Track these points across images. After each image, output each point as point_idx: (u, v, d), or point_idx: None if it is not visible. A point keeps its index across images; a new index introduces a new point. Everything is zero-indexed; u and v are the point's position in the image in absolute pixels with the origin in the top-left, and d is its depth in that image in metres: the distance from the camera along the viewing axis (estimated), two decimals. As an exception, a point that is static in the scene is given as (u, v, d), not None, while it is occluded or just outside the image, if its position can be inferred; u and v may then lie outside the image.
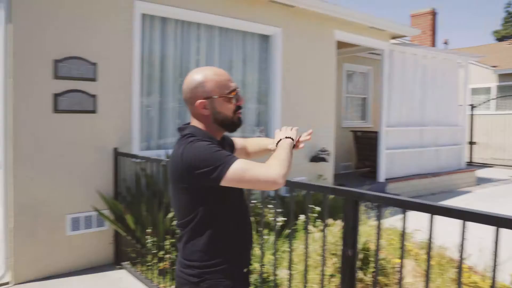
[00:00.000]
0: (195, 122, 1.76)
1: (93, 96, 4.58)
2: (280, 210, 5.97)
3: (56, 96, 4.36)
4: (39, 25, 4.26)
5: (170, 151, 4.91)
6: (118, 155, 4.72)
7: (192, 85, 1.73)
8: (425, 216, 1.86)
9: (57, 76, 4.35)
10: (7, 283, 4.29)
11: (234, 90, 1.74)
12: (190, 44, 5.53)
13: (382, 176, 8.38)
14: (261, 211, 3.03)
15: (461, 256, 1.76)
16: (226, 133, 1.88)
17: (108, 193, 4.71)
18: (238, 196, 1.77)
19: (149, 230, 4.19)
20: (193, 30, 5.54)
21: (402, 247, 2.02)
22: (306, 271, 2.46)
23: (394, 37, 8.65)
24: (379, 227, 2.10)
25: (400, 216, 2.02)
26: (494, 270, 1.64)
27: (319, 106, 7.01)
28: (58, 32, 4.37)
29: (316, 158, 6.86)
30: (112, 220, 4.59)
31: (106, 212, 4.65)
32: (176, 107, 5.45)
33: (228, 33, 5.90)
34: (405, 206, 1.93)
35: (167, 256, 4.02)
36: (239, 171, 1.56)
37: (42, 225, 4.39)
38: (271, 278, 3.56)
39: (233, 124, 1.77)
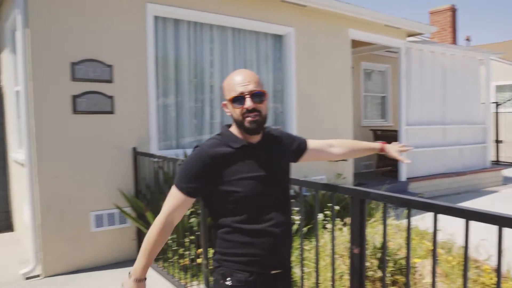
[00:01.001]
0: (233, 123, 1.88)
1: (110, 97, 4.74)
2: (297, 208, 6.01)
3: (75, 97, 4.54)
4: (55, 29, 4.45)
5: (188, 150, 5.05)
6: (137, 154, 4.86)
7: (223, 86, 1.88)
8: (446, 216, 1.80)
9: (74, 78, 4.53)
10: (38, 276, 4.48)
11: (240, 93, 1.76)
12: (204, 45, 5.66)
13: (403, 175, 8.30)
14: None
15: (465, 254, 1.75)
16: (297, 135, 2.11)
17: (129, 191, 4.85)
18: (244, 200, 1.78)
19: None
20: (206, 31, 5.68)
21: (408, 244, 2.03)
22: (317, 269, 2.49)
23: (410, 35, 8.61)
24: (385, 226, 2.10)
25: (421, 216, 2.03)
26: (498, 270, 1.64)
27: (336, 105, 7.03)
28: (74, 35, 4.55)
29: (335, 156, 6.85)
30: (133, 218, 4.72)
31: (128, 209, 4.79)
32: (192, 107, 5.58)
33: (241, 34, 6.02)
34: (409, 205, 1.92)
35: (187, 253, 4.10)
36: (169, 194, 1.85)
37: (68, 221, 4.56)
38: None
39: (244, 127, 1.79)
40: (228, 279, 1.78)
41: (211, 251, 3.80)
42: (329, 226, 4.30)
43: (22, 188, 5.20)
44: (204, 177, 1.77)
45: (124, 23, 4.86)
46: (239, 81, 1.79)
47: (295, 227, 4.44)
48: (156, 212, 4.37)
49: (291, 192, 5.79)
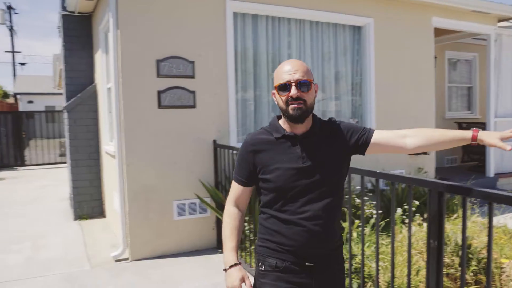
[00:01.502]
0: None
1: (192, 92, 4.97)
2: (374, 202, 5.88)
3: (160, 93, 4.82)
4: (142, 30, 4.75)
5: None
6: (217, 146, 5.05)
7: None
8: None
9: (159, 75, 4.81)
10: (126, 259, 4.85)
11: (287, 81, 1.77)
12: (281, 39, 5.72)
13: (491, 170, 7.79)
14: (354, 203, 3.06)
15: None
16: (357, 123, 2.02)
17: (209, 182, 5.06)
18: (278, 190, 1.81)
19: (246, 218, 4.43)
20: (283, 25, 5.73)
21: (489, 240, 1.94)
22: (393, 263, 2.44)
23: (501, 20, 8.01)
24: (464, 219, 1.98)
25: (511, 214, 1.91)
26: None
27: (417, 96, 6.76)
28: (159, 34, 4.82)
29: (416, 150, 6.61)
30: (213, 207, 4.92)
31: (208, 199, 5.00)
32: (270, 100, 5.67)
33: (319, 26, 5.99)
34: (491, 198, 1.79)
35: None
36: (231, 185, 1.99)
37: (153, 210, 4.86)
38: (366, 269, 3.58)
39: (288, 115, 1.80)
40: (260, 264, 1.88)
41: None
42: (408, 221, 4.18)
43: (113, 178, 5.63)
44: (247, 165, 1.87)
45: (205, 21, 5.05)
46: (287, 70, 1.80)
47: (372, 220, 4.41)
48: (234, 203, 4.56)
49: (368, 185, 5.68)
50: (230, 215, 1.92)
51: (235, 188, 1.94)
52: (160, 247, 4.92)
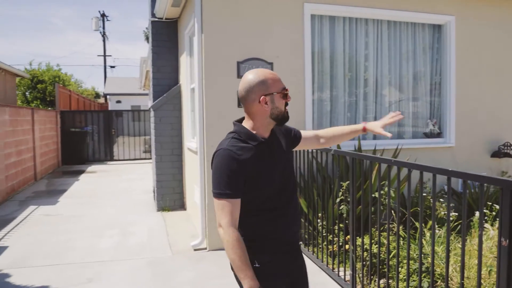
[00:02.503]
0: (247, 120, 1.98)
1: (271, 92, 5.17)
2: (452, 204, 5.74)
3: (240, 93, 5.08)
4: (224, 34, 5.05)
5: (342, 144, 5.24)
6: (292, 145, 5.22)
7: (253, 83, 1.90)
8: None
9: (240, 76, 5.08)
10: (204, 248, 5.19)
11: (286, 88, 1.94)
12: (358, 39, 5.76)
13: None
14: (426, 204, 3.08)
15: None
16: (290, 125, 2.20)
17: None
18: (260, 192, 1.92)
19: (320, 214, 4.55)
20: (361, 26, 5.76)
21: None
22: (462, 263, 2.45)
23: None
24: None
25: None
26: None
27: (504, 95, 6.44)
28: (239, 37, 5.10)
29: (499, 153, 6.32)
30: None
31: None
32: (347, 101, 5.73)
33: (397, 26, 5.94)
34: None
35: (336, 239, 4.31)
36: (216, 207, 1.85)
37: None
38: (438, 270, 3.57)
39: (284, 118, 1.97)
40: (256, 262, 1.91)
41: (359, 239, 3.96)
42: (487, 225, 4.07)
43: (194, 172, 6.01)
44: (240, 176, 1.84)
45: (284, 23, 5.25)
46: (279, 78, 1.95)
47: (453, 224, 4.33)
48: (308, 199, 4.70)
49: (445, 187, 5.46)
50: (239, 240, 1.79)
51: (232, 205, 1.83)
52: (236, 239, 5.18)
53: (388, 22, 5.89)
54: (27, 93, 23.90)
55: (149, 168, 13.20)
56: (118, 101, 31.47)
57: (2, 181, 8.40)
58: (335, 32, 5.67)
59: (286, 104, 1.96)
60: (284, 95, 1.93)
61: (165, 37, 7.36)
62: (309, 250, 4.82)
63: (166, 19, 7.24)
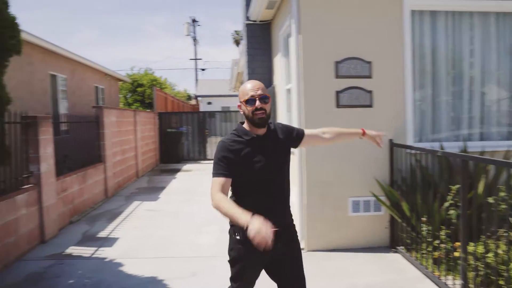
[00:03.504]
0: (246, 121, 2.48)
1: (369, 92, 5.06)
2: None
3: (338, 93, 5.03)
4: (321, 33, 5.02)
5: (445, 144, 4.97)
6: (393, 146, 5.05)
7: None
8: None
9: (337, 76, 5.02)
10: (302, 249, 5.14)
11: (251, 96, 2.35)
12: (462, 34, 5.40)
13: None
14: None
15: None
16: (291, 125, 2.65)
17: (383, 181, 5.08)
18: (248, 178, 2.38)
19: (424, 219, 4.35)
20: (465, 20, 5.40)
21: None
22: None
23: None
24: None
25: None
26: None
27: None
28: (337, 37, 5.04)
29: None
30: (388, 206, 4.94)
31: (383, 198, 5.04)
32: (450, 99, 5.41)
33: (507, 18, 5.48)
34: None
35: (442, 245, 4.09)
36: (211, 184, 2.33)
37: (328, 204, 5.11)
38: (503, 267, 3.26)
39: (254, 122, 2.39)
40: (237, 234, 2.41)
41: (471, 245, 3.71)
42: None
43: (291, 171, 6.03)
44: (229, 161, 2.33)
45: (382, 20, 5.10)
46: (250, 87, 2.38)
47: None
48: (412, 205, 4.52)
49: None
50: (223, 197, 2.25)
51: (219, 181, 2.31)
52: (334, 241, 5.13)
53: (496, 14, 5.45)
54: (127, 96, 25.70)
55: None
56: (209, 103, 32.68)
57: (110, 178, 9.11)
58: (437, 28, 5.37)
59: (256, 110, 2.35)
60: (247, 101, 2.36)
61: (259, 39, 7.51)
62: (412, 256, 4.63)
63: (260, 21, 7.38)
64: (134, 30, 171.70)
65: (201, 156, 16.17)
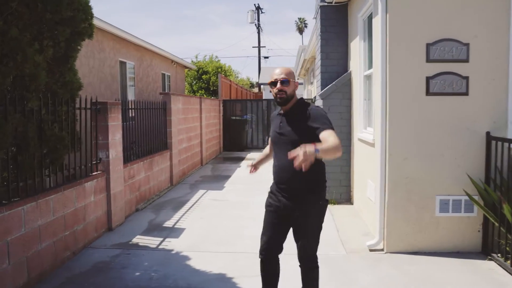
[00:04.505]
0: None
1: (466, 77, 4.47)
2: None
3: (428, 79, 4.49)
4: (411, 12, 4.49)
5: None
6: (491, 139, 4.45)
7: None
8: None
9: (429, 60, 4.48)
10: (381, 250, 4.75)
11: (274, 80, 2.90)
12: None
13: None
14: None
15: None
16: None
17: (477, 178, 4.51)
18: (273, 142, 3.09)
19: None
20: None
21: None
22: None
23: None
24: None
25: None
26: None
27: None
28: (429, 16, 4.48)
29: None
30: (482, 206, 4.37)
31: (476, 197, 4.47)
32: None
33: None
34: None
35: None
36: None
37: (413, 203, 4.61)
38: None
39: (276, 101, 2.96)
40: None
41: None
42: None
43: (367, 166, 5.58)
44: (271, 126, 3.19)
45: (483, -3, 4.46)
46: (276, 72, 2.92)
47: None
48: (517, 206, 3.93)
49: None
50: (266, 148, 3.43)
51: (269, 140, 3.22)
52: (417, 243, 4.64)
53: None
54: (193, 83, 26.00)
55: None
56: (272, 91, 32.38)
57: (176, 165, 9.06)
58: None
59: (276, 91, 2.90)
60: (271, 84, 2.93)
61: (333, 22, 7.02)
62: (511, 266, 4.05)
63: (336, 3, 6.88)
64: (198, 19, 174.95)
65: (265, 144, 15.89)
